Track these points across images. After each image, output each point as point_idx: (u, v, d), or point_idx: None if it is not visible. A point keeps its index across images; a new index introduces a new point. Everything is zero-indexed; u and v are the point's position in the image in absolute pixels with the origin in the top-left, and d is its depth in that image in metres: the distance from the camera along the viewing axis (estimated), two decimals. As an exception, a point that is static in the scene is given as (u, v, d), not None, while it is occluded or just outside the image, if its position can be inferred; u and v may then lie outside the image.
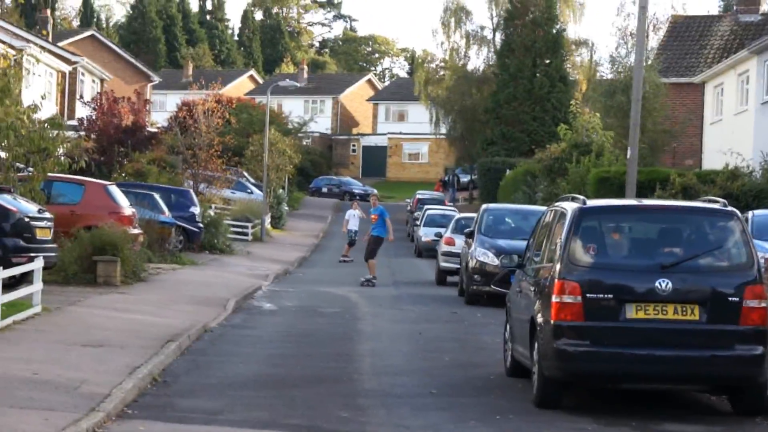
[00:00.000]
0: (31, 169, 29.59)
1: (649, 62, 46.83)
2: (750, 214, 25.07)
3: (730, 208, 13.53)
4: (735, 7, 57.95)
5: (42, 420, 10.89)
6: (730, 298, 12.72)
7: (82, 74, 61.18)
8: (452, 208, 56.03)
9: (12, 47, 41.34)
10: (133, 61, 76.42)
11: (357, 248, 41.19)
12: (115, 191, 30.47)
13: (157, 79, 79.92)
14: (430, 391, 14.32)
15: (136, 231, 29.14)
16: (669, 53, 54.64)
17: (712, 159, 45.65)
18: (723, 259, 13.20)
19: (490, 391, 14.56)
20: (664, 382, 13.10)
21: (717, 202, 13.86)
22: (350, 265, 39.97)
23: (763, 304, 12.75)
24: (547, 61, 75.75)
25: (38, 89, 42.55)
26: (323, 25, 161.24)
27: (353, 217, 45.07)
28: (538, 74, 75.05)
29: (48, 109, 35.40)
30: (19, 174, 29.20)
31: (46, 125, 30.95)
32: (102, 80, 63.92)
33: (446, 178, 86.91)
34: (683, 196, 29.55)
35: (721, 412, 13.42)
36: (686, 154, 50.71)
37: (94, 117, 47.89)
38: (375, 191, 30.28)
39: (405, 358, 17.47)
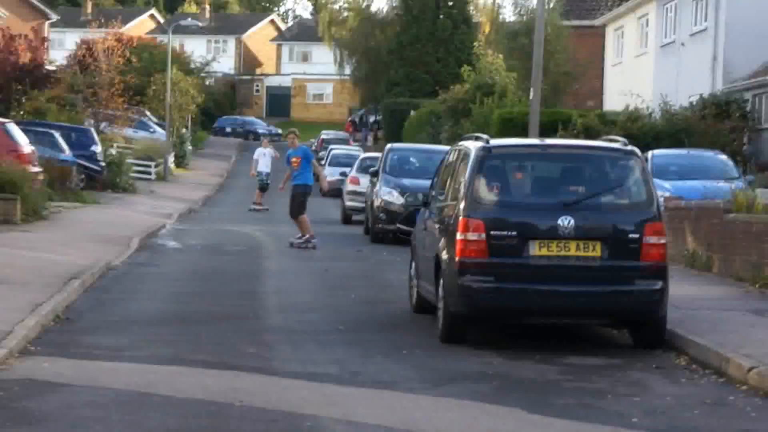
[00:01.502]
0: None
1: (551, 5, 47.13)
2: (650, 153, 25.56)
3: (630, 147, 13.67)
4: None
5: None
6: (630, 235, 12.90)
7: (-22, 11, 59.83)
8: (357, 148, 56.12)
9: None
10: (30, -2, 74.93)
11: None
12: (14, 129, 30.04)
13: (55, 17, 78.18)
14: (337, 328, 14.38)
15: (36, 169, 28.78)
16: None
17: (613, 101, 46.17)
18: (624, 197, 13.39)
19: (396, 327, 14.68)
20: (567, 316, 13.30)
21: (618, 141, 14.00)
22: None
23: (662, 241, 12.99)
24: (450, 3, 75.94)
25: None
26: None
27: (263, 156, 40.86)
28: (441, 16, 75.25)
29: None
30: None
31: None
32: (-1, 18, 62.61)
33: (356, 118, 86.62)
34: (585, 137, 29.80)
35: (622, 345, 13.64)
36: (588, 96, 51.24)
37: (-9, 54, 46.96)
38: (295, 130, 24.19)
39: (311, 295, 17.54)
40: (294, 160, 24.90)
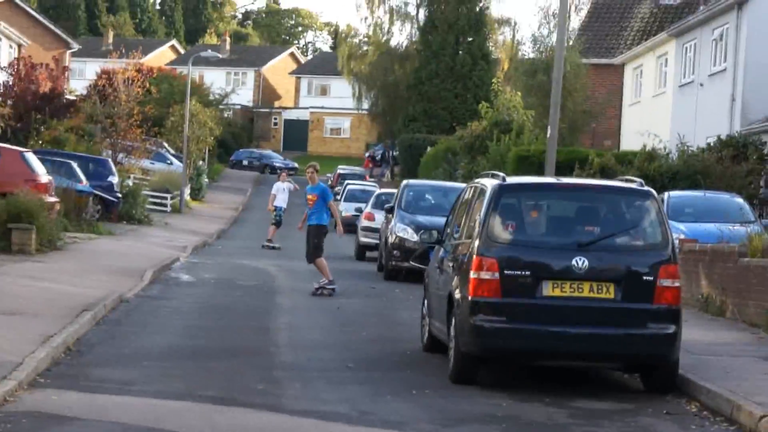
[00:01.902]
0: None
1: (571, 43, 47.17)
2: (666, 195, 25.49)
3: (646, 188, 13.66)
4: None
5: None
6: (644, 277, 12.84)
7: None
8: (373, 184, 56.10)
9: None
10: (51, 27, 75.26)
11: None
12: (32, 158, 30.12)
13: (76, 47, 78.77)
14: (347, 365, 14.33)
15: (53, 199, 28.85)
16: (590, 34, 55.10)
17: (631, 140, 46.15)
18: (639, 238, 13.32)
19: (407, 365, 14.62)
20: (579, 359, 13.20)
21: (634, 181, 13.98)
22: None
23: (677, 284, 12.91)
24: (470, 39, 76.00)
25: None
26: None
27: (281, 191, 38.42)
28: (460, 52, 75.29)
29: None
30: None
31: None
32: (19, 45, 62.91)
33: (375, 154, 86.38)
34: (601, 176, 29.77)
35: (632, 389, 13.57)
36: (605, 134, 51.26)
37: (10, 83, 47.20)
38: (315, 164, 22.28)
39: (322, 332, 17.48)
40: (310, 197, 23.08)
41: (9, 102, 44.93)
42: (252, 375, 13.22)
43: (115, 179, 40.02)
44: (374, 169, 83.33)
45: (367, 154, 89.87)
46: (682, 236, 22.76)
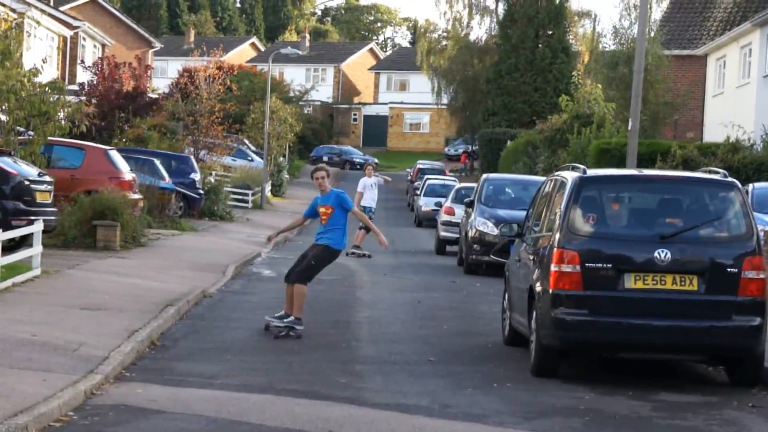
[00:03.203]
0: (31, 132, 29.58)
1: (652, 34, 46.66)
2: (750, 186, 25.07)
3: (730, 179, 13.51)
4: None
5: (40, 381, 10.91)
6: (728, 269, 12.72)
7: (84, 39, 61.06)
8: (452, 178, 56.03)
9: (13, 10, 41.26)
10: (134, 26, 76.25)
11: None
12: (116, 156, 30.45)
13: (158, 46, 79.78)
14: (428, 359, 14.35)
15: (136, 196, 29.15)
16: (672, 25, 54.47)
17: (714, 132, 45.57)
18: (722, 230, 13.21)
19: (487, 359, 14.60)
20: (662, 352, 13.14)
21: (717, 173, 13.81)
22: (350, 233, 38.69)
23: (762, 276, 12.75)
24: (550, 32, 75.39)
25: (39, 53, 42.53)
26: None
27: (369, 189, 31.50)
28: (540, 45, 74.72)
29: (49, 73, 35.44)
30: (19, 137, 29.17)
31: (47, 89, 30.91)
32: (103, 45, 63.82)
33: (470, 149, 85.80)
34: (684, 169, 29.47)
35: (717, 382, 13.45)
36: (687, 126, 50.67)
37: (95, 82, 47.72)
38: (324, 166, 18.41)
39: (403, 325, 17.52)
40: (323, 211, 16.37)
41: (93, 101, 45.42)
42: (333, 368, 13.28)
43: (197, 176, 40.34)
44: (468, 163, 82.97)
45: (461, 150, 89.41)
46: (767, 228, 22.46)
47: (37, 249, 19.53)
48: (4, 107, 29.30)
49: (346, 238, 16.53)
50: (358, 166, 78.62)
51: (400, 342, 15.66)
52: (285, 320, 15.77)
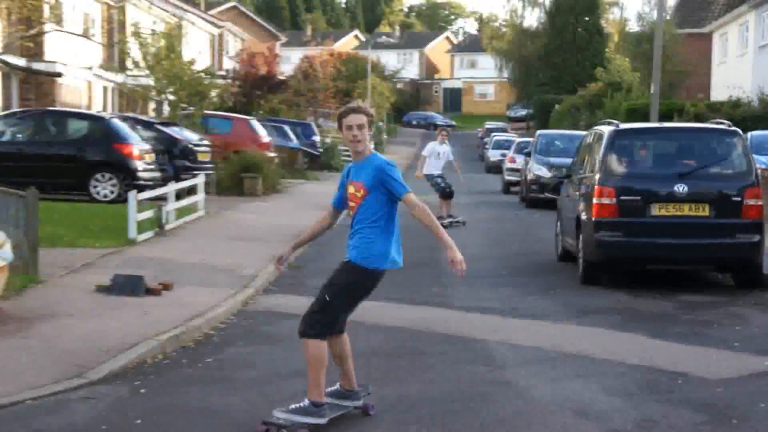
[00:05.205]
0: (192, 108, 29.97)
1: (668, 17, 45.74)
2: (749, 134, 24.61)
3: (733, 128, 13.37)
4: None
5: (209, 294, 11.21)
6: (733, 198, 12.63)
7: (227, 35, 61.39)
8: (514, 134, 55.60)
9: (174, 15, 41.68)
10: (265, 24, 76.37)
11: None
12: (256, 124, 30.81)
13: (283, 39, 79.80)
14: (501, 273, 14.44)
15: (272, 154, 29.48)
16: (684, 9, 53.38)
17: (719, 93, 44.75)
18: (728, 168, 13.07)
19: (546, 272, 14.65)
20: (681, 264, 13.09)
21: (723, 123, 13.67)
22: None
23: (759, 203, 12.67)
24: (587, 18, 74.04)
25: (195, 47, 42.92)
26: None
27: (434, 158, 21.51)
28: (579, 29, 73.41)
29: (202, 63, 35.80)
30: (183, 111, 29.61)
31: (202, 74, 31.22)
32: (242, 40, 64.07)
33: (521, 113, 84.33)
34: (695, 122, 28.97)
35: (725, 286, 13.35)
36: (698, 89, 49.60)
37: (237, 68, 48.16)
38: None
39: (481, 248, 17.52)
40: (352, 192, 7.04)
41: (237, 83, 45.84)
42: (428, 282, 13.41)
43: (317, 138, 40.62)
44: (526, 123, 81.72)
45: (522, 113, 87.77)
46: (764, 166, 22.05)
47: (200, 196, 19.91)
48: (171, 89, 29.73)
49: (394, 245, 7.20)
50: (442, 128, 77.92)
51: (478, 260, 15.66)
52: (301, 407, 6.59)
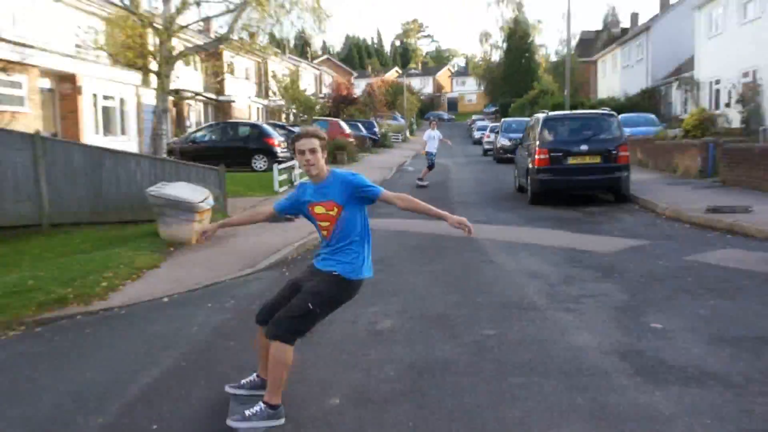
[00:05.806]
0: (305, 116, 29.88)
1: (572, 52, 44.42)
2: (621, 116, 23.99)
3: (611, 112, 13.16)
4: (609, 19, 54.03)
5: (282, 237, 10.09)
6: (612, 152, 12.42)
7: (324, 74, 60.86)
8: (488, 122, 54.77)
9: (294, 65, 41.31)
10: (345, 66, 75.48)
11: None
12: (343, 124, 30.63)
13: (355, 74, 78.86)
14: (484, 200, 14.30)
15: (351, 140, 29.39)
16: (581, 47, 51.72)
17: (603, 93, 43.52)
18: (609, 135, 12.81)
19: (509, 198, 14.49)
20: (586, 190, 12.94)
21: (605, 110, 13.44)
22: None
23: (626, 153, 12.46)
24: (527, 55, 71.42)
25: (306, 82, 42.62)
26: (426, 37, 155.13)
27: (432, 139, 19.89)
28: (522, 60, 70.99)
29: (310, 90, 35.70)
30: (301, 118, 29.50)
31: (311, 97, 30.96)
32: (332, 76, 63.50)
33: (491, 109, 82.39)
34: (590, 110, 28.31)
35: (609, 201, 13.19)
36: (590, 92, 48.36)
37: (330, 92, 47.84)
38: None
39: (471, 187, 17.32)
40: (321, 213, 3.97)
41: (329, 102, 45.58)
42: (441, 206, 13.12)
43: (377, 129, 40.26)
44: (495, 116, 79.90)
45: (492, 110, 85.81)
46: (629, 133, 21.60)
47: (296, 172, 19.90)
48: (293, 106, 29.66)
49: (368, 259, 4.08)
50: (446, 120, 76.81)
51: (470, 194, 15.66)
52: (253, 409, 3.85)
